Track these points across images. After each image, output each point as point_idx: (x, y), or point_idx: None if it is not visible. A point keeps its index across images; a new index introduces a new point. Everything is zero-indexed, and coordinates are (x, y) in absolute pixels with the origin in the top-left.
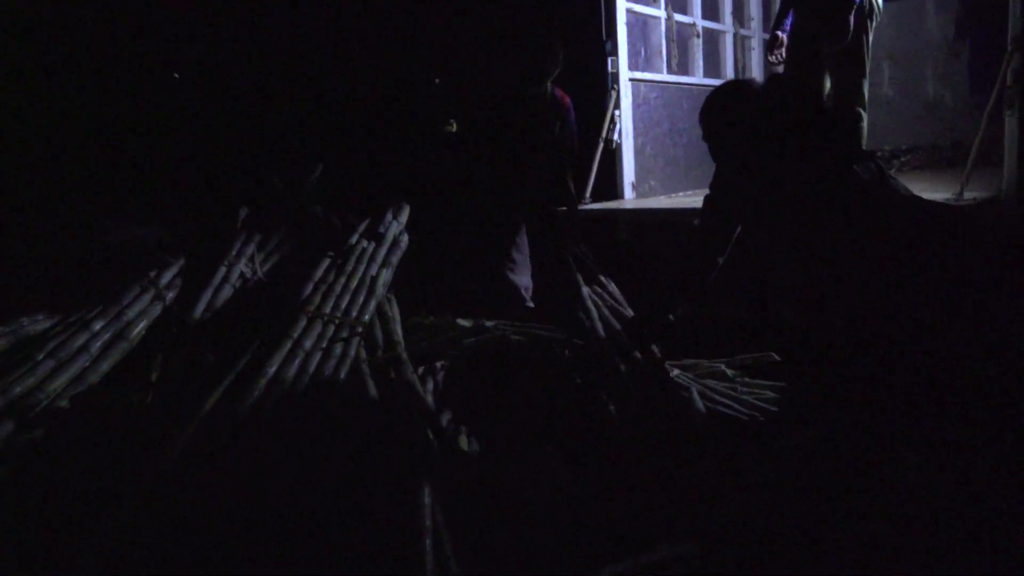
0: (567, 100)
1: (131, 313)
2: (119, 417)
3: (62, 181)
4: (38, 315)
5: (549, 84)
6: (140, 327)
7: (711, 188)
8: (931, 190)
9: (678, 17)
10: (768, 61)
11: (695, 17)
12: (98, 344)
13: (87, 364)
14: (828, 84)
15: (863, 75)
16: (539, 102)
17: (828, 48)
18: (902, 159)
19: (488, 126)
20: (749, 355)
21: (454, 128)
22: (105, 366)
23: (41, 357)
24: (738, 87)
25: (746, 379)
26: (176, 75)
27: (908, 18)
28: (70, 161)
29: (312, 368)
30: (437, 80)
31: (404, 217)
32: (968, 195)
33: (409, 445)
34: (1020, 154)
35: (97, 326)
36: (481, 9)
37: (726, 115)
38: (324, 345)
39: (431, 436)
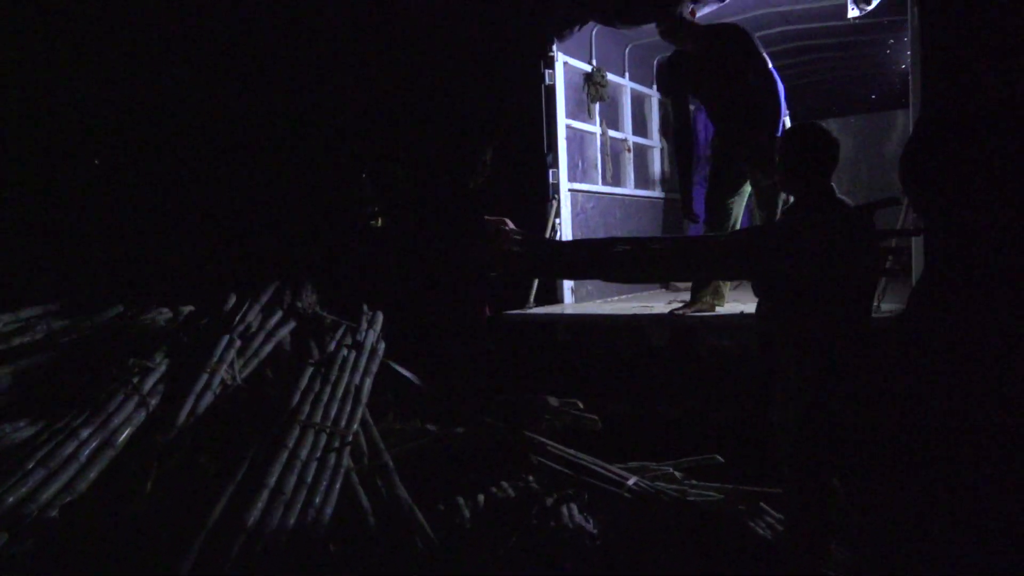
0: None
1: (117, 420)
2: (116, 527)
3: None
4: (20, 421)
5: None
6: (125, 434)
7: None
8: None
9: (612, 133)
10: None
11: (626, 133)
12: (87, 452)
13: (76, 472)
14: None
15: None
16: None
17: (765, 181)
18: None
19: (419, 222)
20: (694, 457)
21: (379, 223)
22: (93, 474)
23: (31, 466)
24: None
25: (693, 481)
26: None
27: None
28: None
29: (309, 479)
30: (364, 175)
31: (379, 325)
32: (885, 307)
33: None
34: (926, 269)
35: (85, 433)
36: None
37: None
38: (318, 455)
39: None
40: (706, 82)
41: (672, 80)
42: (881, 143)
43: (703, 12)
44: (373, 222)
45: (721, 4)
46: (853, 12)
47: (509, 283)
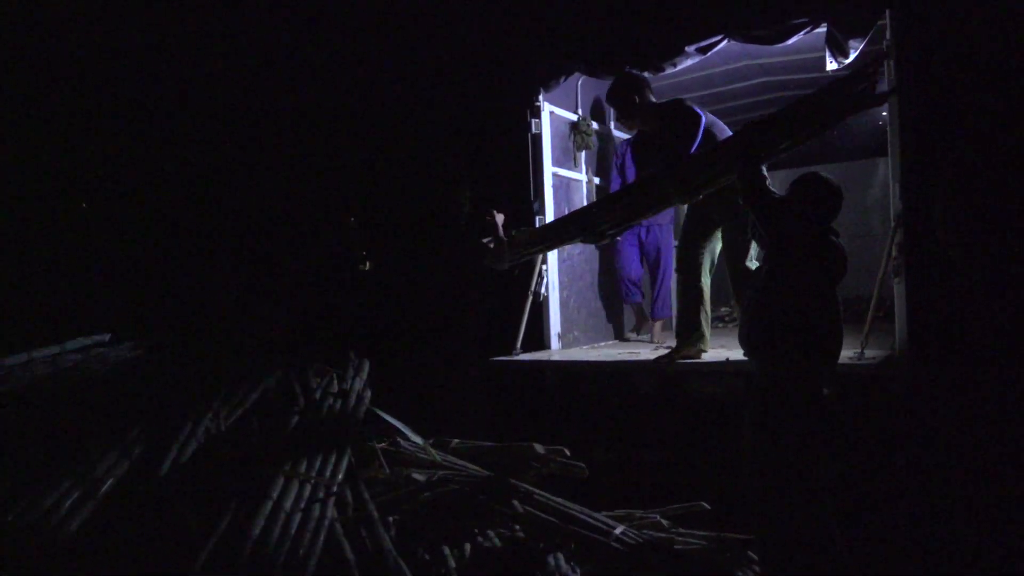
0: None
1: (99, 470)
2: None
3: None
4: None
5: None
6: (107, 484)
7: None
8: None
9: (597, 181)
10: None
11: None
12: (68, 503)
13: (56, 524)
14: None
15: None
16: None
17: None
18: None
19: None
20: (681, 505)
21: (367, 267)
22: (74, 525)
23: (10, 519)
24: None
25: (680, 529)
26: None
27: None
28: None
29: (293, 530)
30: (352, 219)
31: (365, 372)
32: (868, 353)
33: None
34: (909, 315)
35: (65, 484)
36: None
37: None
38: (303, 506)
39: None
40: (665, 156)
41: (638, 160)
42: (861, 190)
43: (684, 64)
44: (362, 266)
45: (703, 57)
46: (831, 65)
47: (496, 327)
